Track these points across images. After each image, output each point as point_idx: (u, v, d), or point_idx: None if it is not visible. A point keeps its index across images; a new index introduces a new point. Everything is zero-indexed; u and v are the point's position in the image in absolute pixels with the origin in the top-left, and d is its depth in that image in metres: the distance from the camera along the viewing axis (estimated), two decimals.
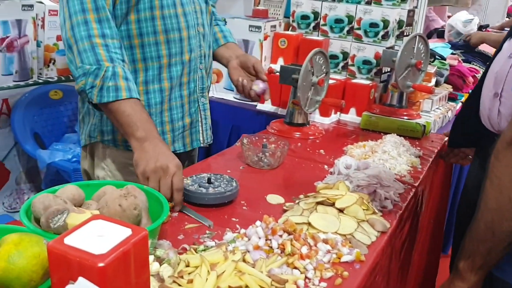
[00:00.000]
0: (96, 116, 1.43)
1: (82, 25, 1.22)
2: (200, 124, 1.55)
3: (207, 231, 1.04)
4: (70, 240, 0.63)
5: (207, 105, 1.58)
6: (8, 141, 2.31)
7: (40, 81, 2.41)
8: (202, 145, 1.57)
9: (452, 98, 2.42)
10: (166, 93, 1.43)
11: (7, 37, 2.21)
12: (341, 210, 1.12)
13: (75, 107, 2.54)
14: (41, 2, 2.36)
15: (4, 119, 2.25)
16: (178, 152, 1.51)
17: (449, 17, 4.06)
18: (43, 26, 2.37)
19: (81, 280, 0.57)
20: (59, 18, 1.30)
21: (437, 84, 2.42)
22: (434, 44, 3.03)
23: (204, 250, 0.93)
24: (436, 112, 2.11)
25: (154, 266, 0.83)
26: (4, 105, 2.23)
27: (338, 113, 2.09)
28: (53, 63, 2.46)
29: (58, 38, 2.44)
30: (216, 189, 1.16)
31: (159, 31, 1.36)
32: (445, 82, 2.56)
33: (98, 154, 1.48)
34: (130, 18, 1.32)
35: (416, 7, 2.27)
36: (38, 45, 2.38)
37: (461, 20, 3.55)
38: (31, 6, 2.28)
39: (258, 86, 1.54)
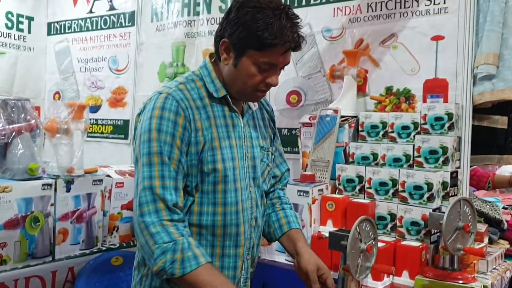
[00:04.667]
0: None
1: (153, 214, 1.36)
2: None
3: None
4: None
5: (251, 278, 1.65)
6: None
7: (104, 248, 2.56)
8: None
9: (509, 255, 2.36)
10: (217, 258, 1.51)
11: (78, 209, 2.43)
12: None
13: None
14: (109, 176, 2.62)
15: (68, 287, 2.37)
16: None
17: None
18: (109, 197, 2.60)
19: None
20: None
21: (491, 241, 2.39)
22: (484, 198, 3.03)
23: None
24: (493, 273, 2.06)
25: None
26: (69, 274, 2.36)
27: (391, 276, 2.08)
28: (116, 230, 2.64)
29: (123, 207, 2.66)
30: None
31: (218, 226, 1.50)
32: (500, 237, 2.52)
33: None
34: (193, 209, 1.48)
35: (458, 167, 2.36)
36: (104, 215, 2.58)
37: (510, 171, 3.57)
38: (101, 180, 2.54)
39: None
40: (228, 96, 1.55)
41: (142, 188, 1.38)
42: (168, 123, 1.41)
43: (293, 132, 3.09)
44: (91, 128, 4.03)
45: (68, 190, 2.37)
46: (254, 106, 1.67)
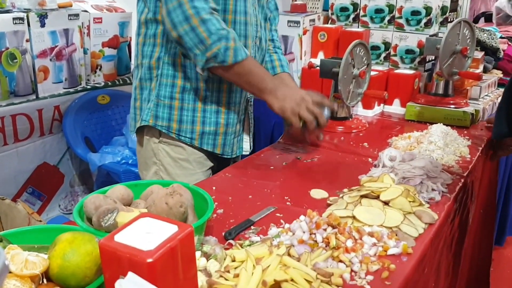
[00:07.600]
0: (152, 101, 1.45)
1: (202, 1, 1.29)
2: (246, 133, 1.61)
3: (252, 227, 1.05)
4: (120, 237, 0.66)
5: (252, 114, 1.64)
6: (61, 146, 2.41)
7: (88, 87, 2.50)
8: (244, 153, 1.61)
9: (502, 84, 2.32)
10: (224, 94, 1.47)
11: (56, 46, 2.30)
12: (386, 203, 1.10)
13: (122, 110, 2.62)
14: (86, 11, 2.44)
15: (56, 125, 2.35)
16: (226, 156, 1.54)
17: None
18: (88, 34, 2.46)
19: (130, 274, 0.59)
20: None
21: (486, 70, 2.34)
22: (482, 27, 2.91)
23: (250, 245, 0.94)
24: (485, 99, 2.04)
25: (201, 262, 0.85)
26: (56, 112, 2.33)
27: (382, 104, 2.06)
28: (100, 69, 2.55)
29: (103, 44, 2.53)
30: None
31: None
32: (494, 67, 2.47)
33: (150, 148, 1.49)
34: None
35: None
36: (85, 52, 2.47)
37: (510, 2, 3.40)
38: (77, 15, 2.37)
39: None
40: None
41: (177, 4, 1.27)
42: None
43: None
44: None
45: (42, 25, 2.22)
46: None
